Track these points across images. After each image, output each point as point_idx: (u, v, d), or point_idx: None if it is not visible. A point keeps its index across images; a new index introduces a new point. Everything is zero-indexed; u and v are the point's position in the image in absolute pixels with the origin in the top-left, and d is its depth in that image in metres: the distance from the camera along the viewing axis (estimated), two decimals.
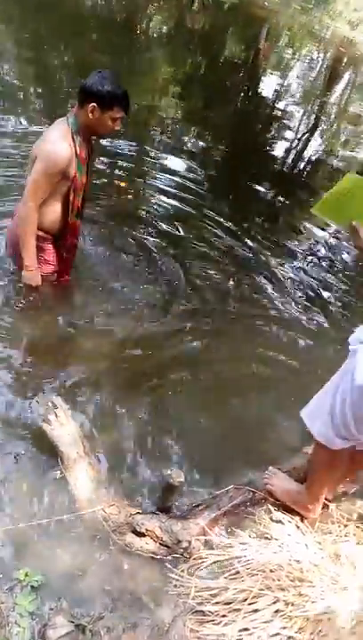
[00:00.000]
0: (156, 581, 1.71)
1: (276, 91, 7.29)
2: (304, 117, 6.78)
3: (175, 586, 1.69)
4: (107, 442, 2.09)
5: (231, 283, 3.29)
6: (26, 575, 1.62)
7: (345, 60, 10.93)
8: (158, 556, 1.78)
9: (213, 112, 5.58)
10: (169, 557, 1.77)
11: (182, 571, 1.73)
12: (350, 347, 1.56)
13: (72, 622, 1.56)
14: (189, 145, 4.94)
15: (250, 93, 6.78)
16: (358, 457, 1.82)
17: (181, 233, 3.63)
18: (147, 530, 1.81)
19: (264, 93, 6.76)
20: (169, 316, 2.86)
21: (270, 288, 3.34)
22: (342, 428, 1.58)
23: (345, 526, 1.95)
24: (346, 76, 10.24)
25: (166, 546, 1.80)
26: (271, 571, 1.69)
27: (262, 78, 7.63)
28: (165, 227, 3.63)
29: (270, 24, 10.51)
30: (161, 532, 1.81)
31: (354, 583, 1.72)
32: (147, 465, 2.06)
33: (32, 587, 1.61)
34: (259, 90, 6.94)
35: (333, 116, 7.59)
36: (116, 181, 3.98)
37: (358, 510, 2.02)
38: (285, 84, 7.81)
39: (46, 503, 1.82)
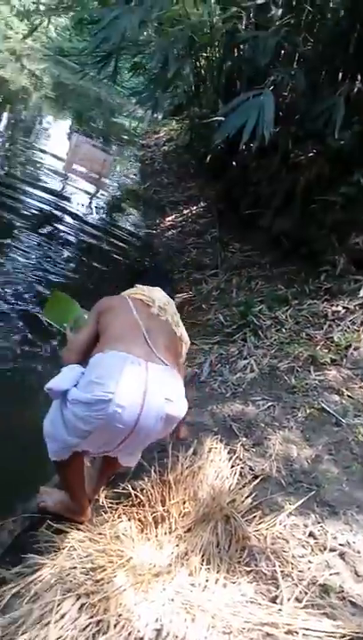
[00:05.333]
0: None
1: None
2: None
3: None
4: None
5: None
6: None
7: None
8: None
9: None
10: None
11: None
12: None
13: None
14: None
15: None
16: (111, 462, 2.11)
17: None
18: None
19: None
20: None
21: None
22: (56, 438, 1.81)
23: (115, 510, 2.22)
24: (4, 111, 10.56)
25: None
26: (67, 575, 1.83)
27: None
28: None
29: None
30: None
31: (135, 551, 2.01)
32: None
33: None
34: None
35: (3, 148, 7.75)
36: None
37: (122, 492, 2.32)
38: None
39: None
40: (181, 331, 2.07)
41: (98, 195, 7.33)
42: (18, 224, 4.99)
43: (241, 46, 4.28)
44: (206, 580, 1.93)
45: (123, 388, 1.64)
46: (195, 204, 6.08)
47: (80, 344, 1.96)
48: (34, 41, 16.73)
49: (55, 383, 1.75)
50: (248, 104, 3.34)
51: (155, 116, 6.54)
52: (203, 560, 1.98)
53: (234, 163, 4.88)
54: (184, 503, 2.14)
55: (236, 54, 4.39)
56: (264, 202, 4.39)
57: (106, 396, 1.63)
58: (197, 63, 4.13)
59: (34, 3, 16.80)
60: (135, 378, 1.67)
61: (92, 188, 7.38)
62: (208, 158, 4.84)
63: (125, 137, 11.78)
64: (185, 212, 6.03)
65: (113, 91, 14.59)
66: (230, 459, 2.31)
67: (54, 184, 6.67)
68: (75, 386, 1.73)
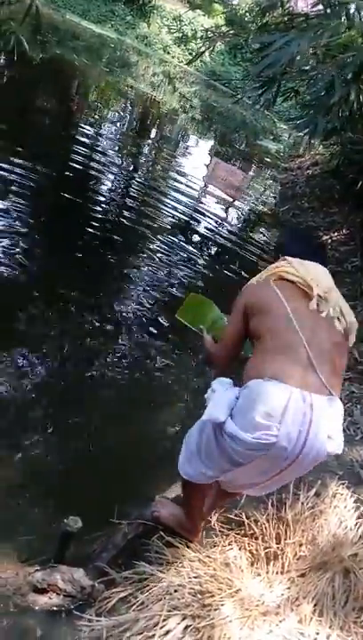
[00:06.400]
0: (67, 633, 1.71)
1: (93, 143, 7.66)
2: (123, 165, 7.25)
3: (86, 632, 1.71)
4: None
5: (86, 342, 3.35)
6: None
7: (151, 116, 12.02)
8: (64, 608, 1.78)
9: (33, 165, 5.59)
10: (76, 606, 1.79)
11: (91, 615, 1.76)
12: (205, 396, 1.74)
13: None
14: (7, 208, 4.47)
15: (67, 146, 6.99)
16: (225, 493, 2.03)
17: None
18: (48, 585, 1.79)
19: (81, 146, 7.06)
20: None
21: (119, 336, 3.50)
22: (193, 462, 1.77)
23: (227, 536, 2.17)
24: (154, 130, 11.23)
25: (71, 595, 1.81)
26: (175, 591, 1.82)
27: (79, 131, 7.96)
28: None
29: (80, 81, 11.09)
30: (63, 584, 1.81)
31: (244, 583, 1.94)
32: (36, 518, 2.04)
33: None
34: (76, 143, 7.20)
35: (149, 163, 8.25)
36: None
37: (235, 519, 2.27)
38: (101, 137, 8.26)
39: None
40: (349, 321, 1.68)
41: (234, 214, 7.44)
42: (151, 237, 5.21)
43: None
44: (317, 633, 1.80)
45: (286, 430, 1.49)
46: (336, 231, 5.87)
47: (229, 346, 1.78)
48: (188, 65, 17.60)
49: (211, 414, 1.60)
50: None
51: (312, 141, 6.45)
52: (315, 610, 1.86)
53: None
54: (301, 545, 2.02)
55: None
56: None
57: (269, 439, 1.50)
58: (359, 89, 4.01)
59: (193, 30, 17.89)
60: (300, 417, 1.49)
61: (228, 208, 7.50)
62: (359, 185, 4.66)
63: (268, 159, 11.84)
64: (324, 237, 5.85)
65: (259, 114, 14.78)
66: (357, 509, 2.15)
67: (192, 201, 6.90)
68: (231, 414, 1.59)
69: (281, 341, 1.58)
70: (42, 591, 1.78)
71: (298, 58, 3.80)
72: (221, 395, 1.64)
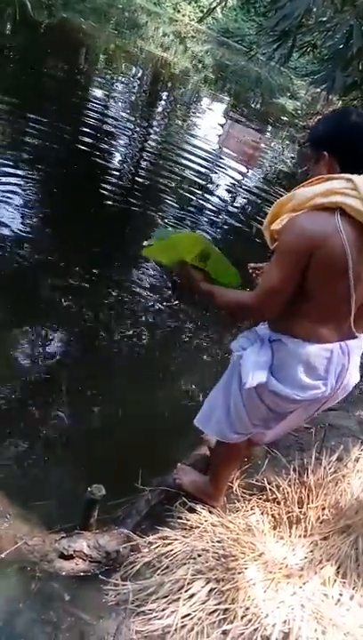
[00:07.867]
0: (93, 597, 1.75)
1: (104, 107, 7.49)
2: (137, 130, 7.09)
3: (113, 596, 1.75)
4: (9, 472, 2.06)
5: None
6: None
7: (162, 78, 11.68)
8: (90, 573, 1.82)
9: (48, 130, 5.51)
10: (101, 571, 1.83)
11: (116, 580, 1.80)
12: (234, 353, 1.69)
13: None
14: (19, 178, 4.44)
15: (79, 110, 6.85)
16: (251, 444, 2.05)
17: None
18: (74, 551, 1.83)
19: (93, 110, 6.91)
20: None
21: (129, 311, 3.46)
22: (237, 425, 1.76)
23: (249, 501, 2.18)
24: (166, 92, 10.93)
25: (96, 561, 1.85)
26: (199, 555, 1.84)
27: (90, 95, 7.78)
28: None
29: (88, 45, 10.78)
30: (89, 550, 1.85)
31: (267, 547, 1.95)
32: (61, 487, 2.08)
33: None
34: (88, 107, 7.06)
35: (161, 128, 8.06)
36: None
37: (256, 484, 2.27)
38: (111, 101, 8.07)
39: None
40: None
41: (251, 177, 7.25)
42: (167, 199, 5.13)
43: None
44: (340, 594, 1.82)
45: (331, 383, 1.55)
46: None
47: (279, 294, 1.43)
48: (199, 22, 16.99)
49: (255, 379, 1.54)
50: None
51: (330, 97, 6.18)
52: (338, 572, 1.87)
53: None
54: (323, 509, 2.02)
55: None
56: None
57: (317, 395, 1.56)
58: None
59: None
60: (340, 368, 1.55)
61: (244, 169, 7.32)
62: None
63: (285, 118, 11.47)
64: None
65: (274, 71, 14.25)
66: None
67: (207, 163, 6.74)
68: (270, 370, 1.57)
69: (329, 313, 1.46)
70: (68, 557, 1.82)
71: (315, 9, 3.59)
72: (254, 354, 1.57)
